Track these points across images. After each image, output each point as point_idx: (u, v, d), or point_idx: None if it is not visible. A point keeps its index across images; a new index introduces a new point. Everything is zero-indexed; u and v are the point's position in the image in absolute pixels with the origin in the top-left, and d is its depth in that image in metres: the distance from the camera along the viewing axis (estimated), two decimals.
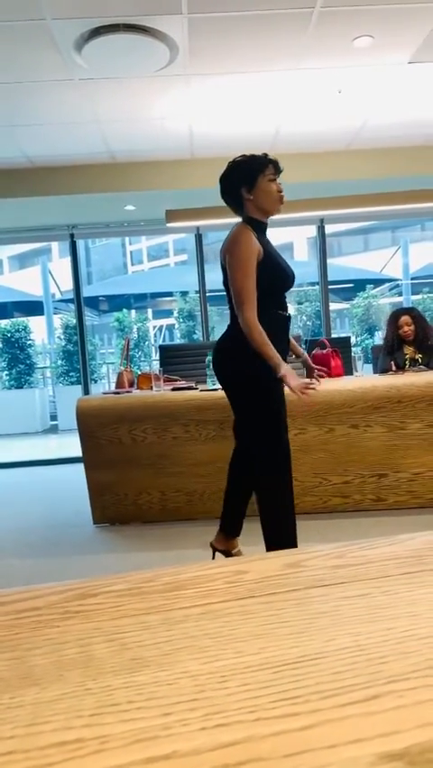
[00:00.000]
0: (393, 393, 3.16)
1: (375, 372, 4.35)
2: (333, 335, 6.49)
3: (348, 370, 4.18)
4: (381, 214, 6.14)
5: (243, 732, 0.33)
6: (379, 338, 9.48)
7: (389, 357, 4.03)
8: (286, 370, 2.14)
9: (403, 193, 4.78)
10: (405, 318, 4.02)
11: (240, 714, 0.35)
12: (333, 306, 6.98)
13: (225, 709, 0.36)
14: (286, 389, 2.20)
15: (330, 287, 6.85)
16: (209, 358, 2.90)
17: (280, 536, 2.24)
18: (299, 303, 10.32)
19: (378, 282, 11.60)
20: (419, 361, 3.98)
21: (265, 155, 2.27)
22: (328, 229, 6.74)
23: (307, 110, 4.58)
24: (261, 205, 2.24)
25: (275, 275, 2.23)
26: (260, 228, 2.25)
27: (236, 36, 3.39)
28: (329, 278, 6.74)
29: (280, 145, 5.28)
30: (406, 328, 3.99)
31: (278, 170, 2.26)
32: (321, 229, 6.58)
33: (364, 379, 3.43)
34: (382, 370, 4.06)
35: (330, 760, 0.31)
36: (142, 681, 0.39)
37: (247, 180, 2.22)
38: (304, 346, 4.98)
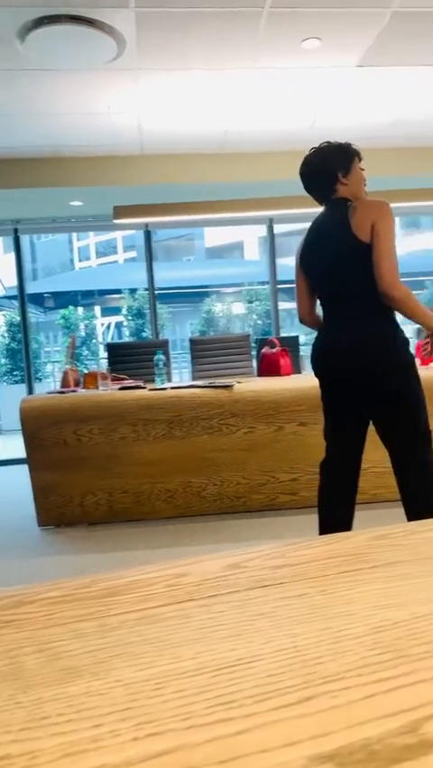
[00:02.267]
0: None
1: None
2: (282, 334, 6.56)
3: (297, 368, 4.24)
4: None
5: (176, 740, 0.33)
6: None
7: None
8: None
9: None
10: None
11: (174, 722, 0.34)
12: (282, 306, 7.05)
13: (159, 718, 0.35)
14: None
15: (280, 286, 6.92)
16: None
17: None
18: (250, 302, 10.38)
19: None
20: None
21: (348, 143, 2.30)
22: (278, 229, 6.80)
23: (257, 110, 4.61)
24: (354, 189, 2.25)
25: None
26: None
27: (186, 33, 3.37)
28: (279, 278, 6.80)
29: (229, 144, 5.29)
30: None
31: (361, 159, 2.29)
32: (270, 229, 6.64)
33: (312, 378, 3.48)
34: None
35: (262, 765, 0.30)
36: (73, 691, 0.38)
37: (344, 165, 2.24)
38: (254, 345, 5.02)
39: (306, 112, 4.75)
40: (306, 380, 3.35)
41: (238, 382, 3.41)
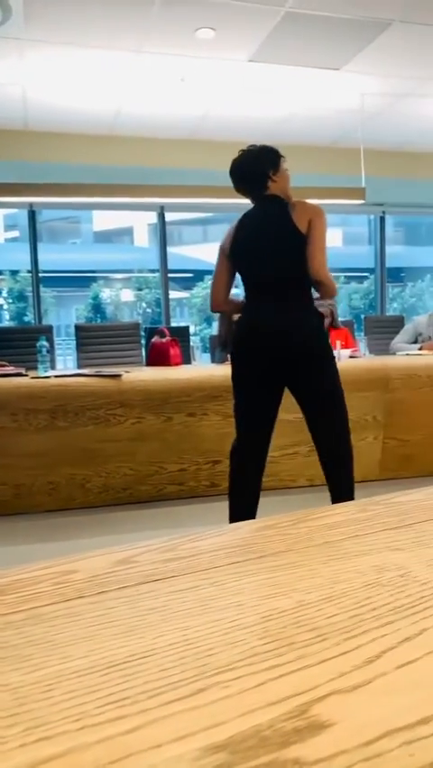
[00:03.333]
0: (229, 382, 3.27)
1: (213, 362, 4.48)
2: (172, 324, 6.57)
3: (187, 359, 4.26)
4: (219, 207, 6.31)
5: (66, 743, 0.32)
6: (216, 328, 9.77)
7: (224, 351, 4.17)
8: None
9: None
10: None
11: (65, 724, 0.34)
12: (173, 295, 7.04)
13: (49, 721, 0.34)
14: None
15: (171, 275, 6.90)
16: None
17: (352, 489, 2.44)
18: (139, 289, 10.28)
19: None
20: None
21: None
22: (169, 217, 6.78)
23: (149, 94, 4.55)
24: (282, 186, 2.47)
25: None
26: None
27: (77, 7, 3.25)
28: (170, 267, 6.79)
29: (121, 126, 5.19)
30: None
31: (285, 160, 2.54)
32: (162, 216, 6.60)
33: (202, 369, 3.52)
34: (220, 361, 4.19)
35: (154, 761, 0.30)
36: None
37: (273, 164, 2.46)
38: (143, 334, 4.98)
39: (199, 101, 4.76)
40: (196, 371, 3.38)
41: (126, 371, 3.37)
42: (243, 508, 2.49)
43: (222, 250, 2.52)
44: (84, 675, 0.38)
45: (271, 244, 2.39)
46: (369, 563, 0.53)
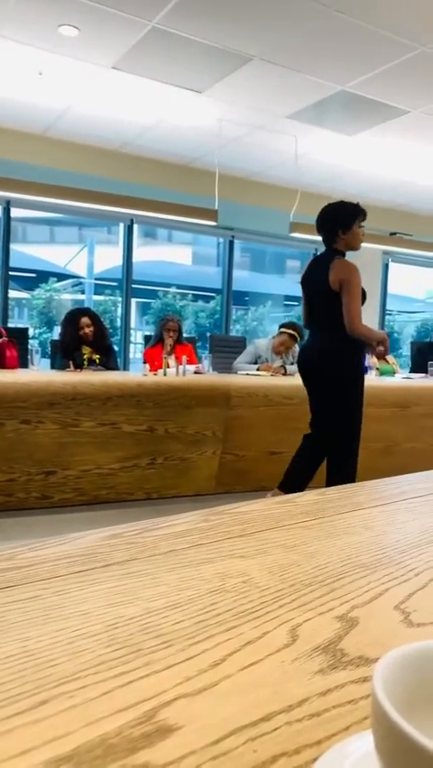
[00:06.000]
0: (69, 389, 3.18)
1: (53, 368, 4.33)
2: (10, 325, 6.23)
3: (24, 362, 4.07)
4: (69, 209, 6.16)
5: None
6: (58, 333, 9.46)
7: (66, 358, 4.06)
8: (383, 334, 2.99)
9: (93, 193, 4.87)
10: (86, 320, 4.13)
11: None
12: (12, 294, 6.71)
13: None
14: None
15: (11, 273, 6.57)
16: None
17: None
18: None
19: (62, 276, 11.57)
20: (97, 361, 4.12)
21: (358, 204, 2.98)
22: (14, 213, 6.47)
23: (2, 81, 4.34)
24: (350, 244, 2.97)
25: (364, 298, 2.95)
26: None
27: None
28: (11, 264, 6.46)
29: None
30: (87, 329, 4.10)
31: (365, 219, 2.99)
32: (7, 211, 6.28)
33: (40, 374, 3.38)
34: (60, 368, 4.07)
35: None
36: None
37: (344, 224, 2.93)
38: None
39: (57, 98, 4.63)
40: (33, 376, 3.24)
41: None
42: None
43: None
44: None
45: (313, 291, 3.03)
46: (213, 571, 0.55)
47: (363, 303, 3.00)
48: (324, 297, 2.93)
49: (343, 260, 2.94)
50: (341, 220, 2.94)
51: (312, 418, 3.11)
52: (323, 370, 2.98)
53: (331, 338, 2.95)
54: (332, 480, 2.91)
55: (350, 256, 3.04)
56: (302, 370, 3.12)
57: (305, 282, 3.13)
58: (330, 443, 3.01)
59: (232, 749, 0.31)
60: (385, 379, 4.72)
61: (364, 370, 3.11)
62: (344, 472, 2.93)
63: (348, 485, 0.93)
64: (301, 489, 2.94)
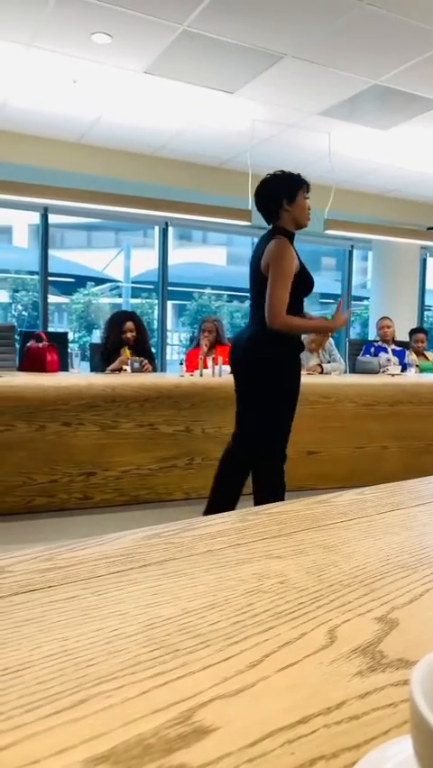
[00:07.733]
0: (108, 392, 3.22)
1: (92, 371, 4.39)
2: (50, 329, 6.36)
3: (64, 366, 4.14)
4: (105, 214, 6.24)
5: None
6: (97, 336, 9.59)
7: (107, 360, 4.11)
8: (326, 324, 2.70)
9: (128, 197, 4.92)
10: (130, 324, 4.18)
11: None
12: (52, 299, 6.83)
13: None
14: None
15: (51, 278, 6.70)
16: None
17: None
18: (16, 291, 9.85)
19: (99, 281, 11.74)
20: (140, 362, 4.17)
21: (299, 175, 2.58)
22: (52, 219, 6.59)
23: (39, 90, 4.42)
24: (297, 218, 2.54)
25: (306, 285, 2.52)
26: (292, 239, 2.52)
27: None
28: (50, 270, 6.59)
29: (6, 119, 4.99)
30: (129, 334, 4.15)
31: (308, 190, 2.58)
32: (45, 217, 6.40)
33: (81, 377, 3.43)
34: (101, 371, 4.12)
35: None
36: None
37: (289, 193, 2.51)
38: (18, 338, 4.78)
39: (91, 105, 4.70)
40: (73, 379, 3.29)
41: None
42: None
43: None
44: None
45: (252, 274, 2.58)
46: (250, 571, 0.55)
47: (308, 292, 2.57)
48: (255, 284, 2.54)
49: (277, 240, 2.47)
50: (284, 189, 2.53)
51: (236, 426, 2.69)
52: (248, 370, 2.55)
53: (258, 332, 2.50)
54: (260, 497, 2.54)
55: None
56: (231, 368, 2.71)
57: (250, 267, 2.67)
58: (255, 453, 2.59)
59: (269, 751, 0.30)
60: (425, 375, 4.63)
61: (298, 368, 2.59)
62: (271, 489, 2.56)
63: (388, 484, 0.92)
64: (232, 508, 2.57)
